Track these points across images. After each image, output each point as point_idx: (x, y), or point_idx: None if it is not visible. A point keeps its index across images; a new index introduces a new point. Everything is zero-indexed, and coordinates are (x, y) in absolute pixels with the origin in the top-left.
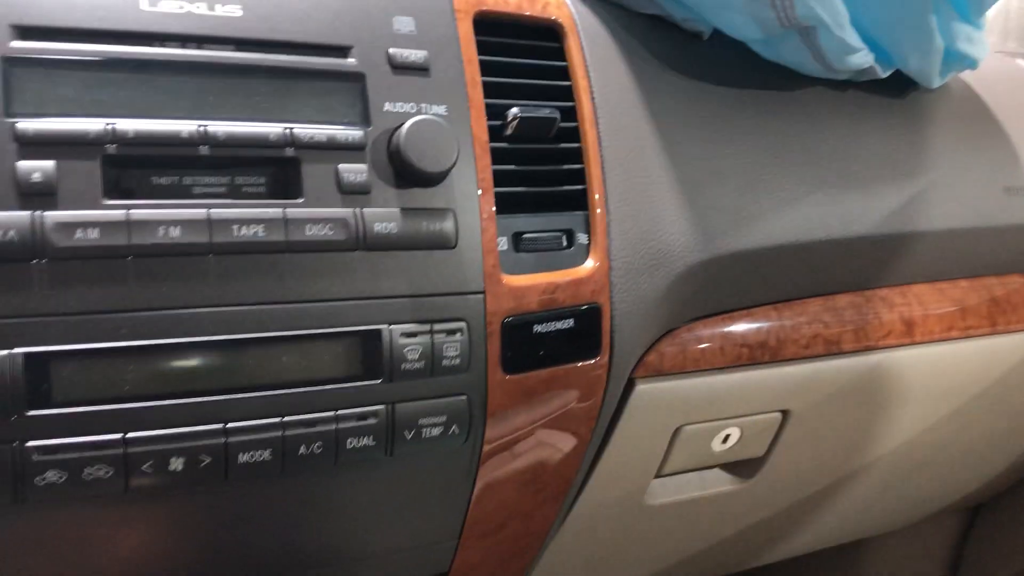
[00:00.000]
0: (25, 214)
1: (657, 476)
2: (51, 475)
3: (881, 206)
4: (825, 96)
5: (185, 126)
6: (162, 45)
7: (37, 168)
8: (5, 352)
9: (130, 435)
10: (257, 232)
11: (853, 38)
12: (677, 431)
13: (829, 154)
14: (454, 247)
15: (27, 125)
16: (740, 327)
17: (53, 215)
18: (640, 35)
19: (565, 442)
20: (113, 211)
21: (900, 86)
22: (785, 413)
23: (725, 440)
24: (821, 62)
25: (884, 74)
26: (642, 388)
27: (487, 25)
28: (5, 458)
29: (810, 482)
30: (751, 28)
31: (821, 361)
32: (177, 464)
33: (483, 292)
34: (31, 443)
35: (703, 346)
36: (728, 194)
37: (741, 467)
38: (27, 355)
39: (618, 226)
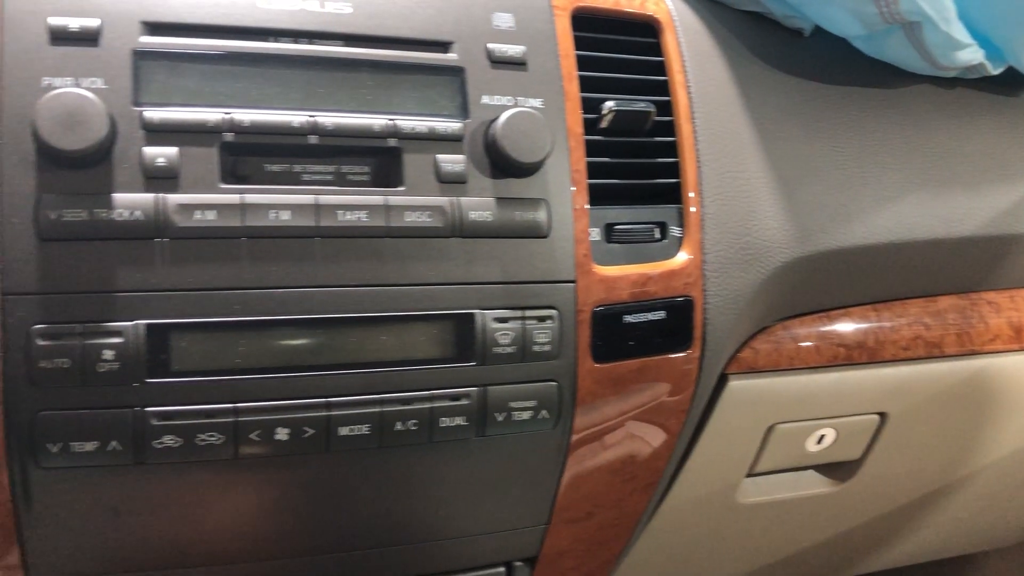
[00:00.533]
0: (149, 196)
1: (749, 474)
2: (168, 439)
3: (988, 207)
4: (929, 93)
5: (296, 117)
6: (276, 40)
7: (161, 154)
8: (130, 323)
9: (240, 405)
10: (360, 217)
11: (961, 33)
12: (770, 429)
13: (933, 153)
14: (547, 236)
15: (153, 114)
16: (837, 326)
17: (175, 197)
18: (738, 31)
19: (655, 434)
20: (229, 195)
21: (1010, 83)
22: (883, 415)
23: (820, 440)
24: (927, 59)
25: (995, 71)
26: (735, 384)
27: (584, 20)
28: (127, 422)
29: (908, 489)
30: (853, 24)
31: (921, 364)
32: (282, 434)
33: (574, 281)
34: (151, 408)
35: (799, 344)
36: (826, 191)
37: (836, 469)
38: (149, 326)
39: (712, 220)
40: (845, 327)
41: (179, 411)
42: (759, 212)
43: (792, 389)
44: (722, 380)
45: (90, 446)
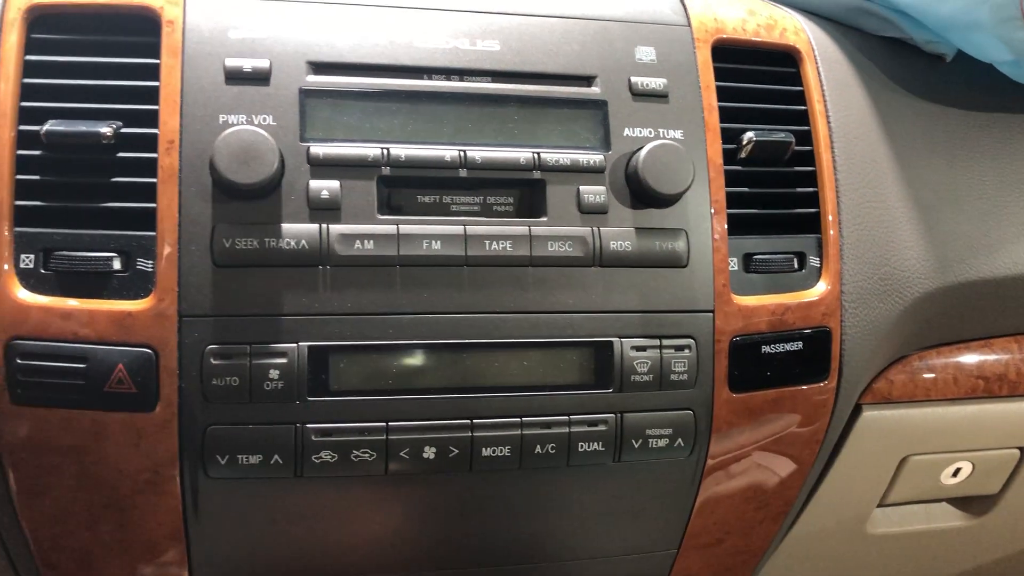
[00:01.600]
0: (314, 226)
1: (880, 505)
2: (325, 454)
3: None
4: None
5: (448, 151)
6: (430, 77)
7: (325, 187)
8: (293, 345)
9: (392, 423)
10: (505, 247)
11: None
12: (904, 461)
13: None
14: (685, 266)
15: (318, 149)
16: (976, 358)
17: (337, 228)
18: (879, 58)
19: (788, 463)
20: (386, 225)
21: None
22: None
23: (955, 473)
24: None
25: None
26: (869, 415)
27: (724, 52)
28: (289, 437)
29: None
30: (1000, 50)
31: None
32: (430, 453)
33: (713, 311)
34: (311, 425)
35: (935, 375)
36: (968, 220)
37: (972, 503)
38: (311, 348)
39: (851, 250)
40: (985, 359)
41: (336, 428)
42: (898, 242)
43: (927, 421)
44: (856, 410)
45: (254, 459)
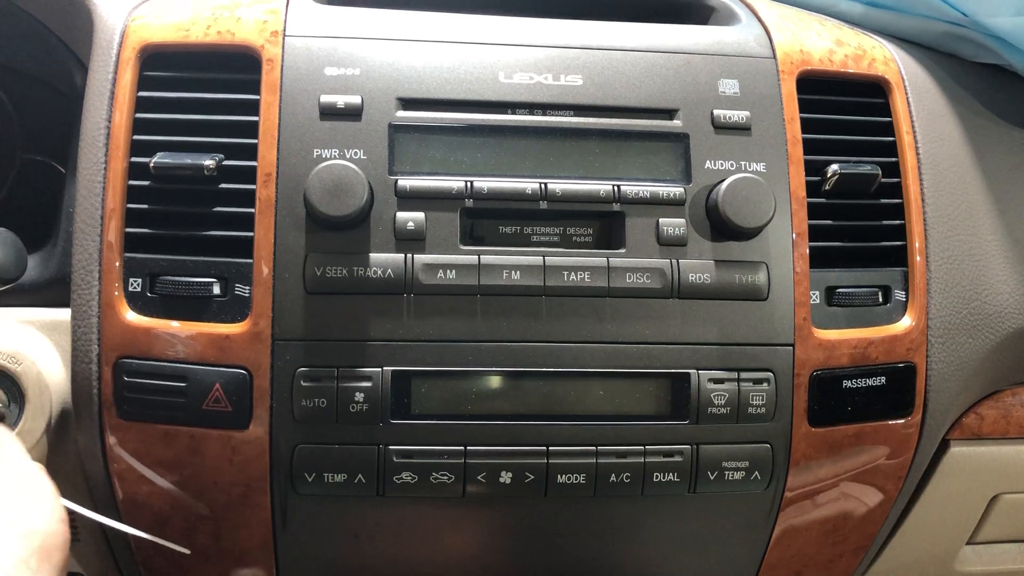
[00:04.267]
0: (400, 256)
1: (970, 543)
2: (406, 476)
3: None
4: None
5: (529, 184)
6: (513, 112)
7: (411, 218)
8: (378, 369)
9: (470, 448)
10: (584, 278)
11: None
12: (995, 499)
13: None
14: (766, 299)
15: (405, 182)
16: None
17: (421, 258)
18: (972, 86)
19: (870, 497)
20: (468, 256)
21: None
22: None
23: None
24: None
25: None
26: (957, 451)
27: (809, 83)
28: (372, 458)
29: None
30: None
31: None
32: (506, 478)
33: (792, 344)
34: (393, 447)
35: None
36: None
37: None
38: (394, 372)
39: (938, 284)
40: None
41: (417, 450)
42: (990, 276)
43: (1021, 458)
44: (943, 445)
45: (339, 477)
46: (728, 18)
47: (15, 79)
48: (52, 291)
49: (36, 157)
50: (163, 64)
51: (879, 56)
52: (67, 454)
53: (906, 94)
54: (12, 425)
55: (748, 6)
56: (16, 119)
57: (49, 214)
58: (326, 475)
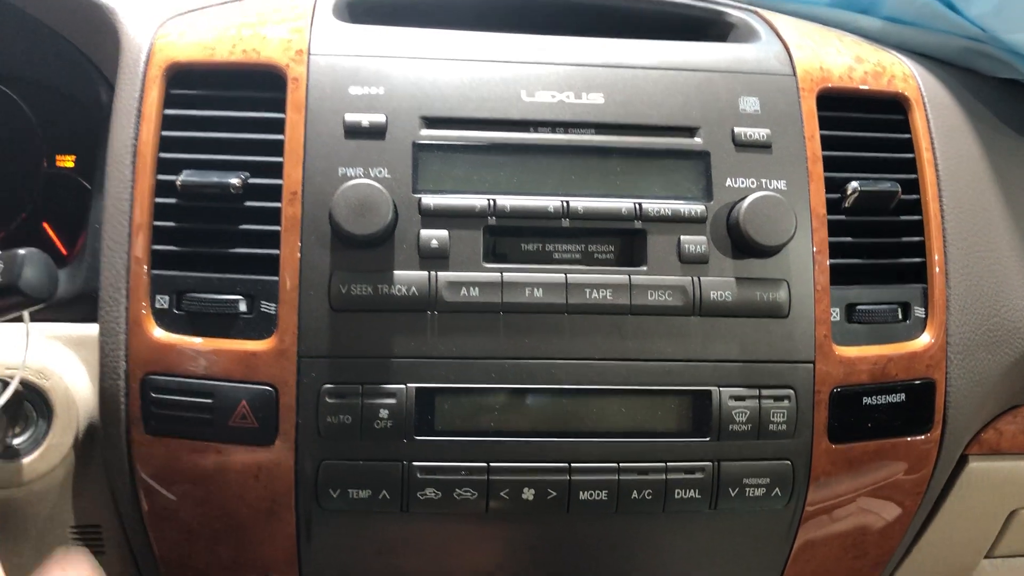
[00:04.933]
0: (423, 274)
1: (988, 556)
2: (430, 492)
3: None
4: None
5: (551, 202)
6: (536, 131)
7: (435, 236)
8: (402, 386)
9: (493, 464)
10: (606, 295)
11: None
12: (1013, 513)
13: None
14: (786, 316)
15: (429, 200)
16: None
17: (445, 275)
18: (992, 101)
19: (889, 512)
20: (491, 273)
21: None
22: None
23: None
24: None
25: None
26: (975, 466)
27: (829, 100)
28: (397, 474)
29: None
30: None
31: None
32: (529, 494)
33: (813, 362)
34: (417, 463)
35: None
36: None
37: None
38: (418, 389)
39: (958, 300)
40: None
41: (440, 467)
42: (1009, 292)
43: None
44: (962, 461)
45: (364, 493)
46: (748, 35)
47: (40, 93)
48: (78, 306)
49: (62, 171)
50: (189, 82)
51: (899, 73)
52: (93, 467)
53: (925, 111)
54: (40, 439)
55: (768, 23)
56: (40, 133)
57: (74, 229)
58: (351, 491)
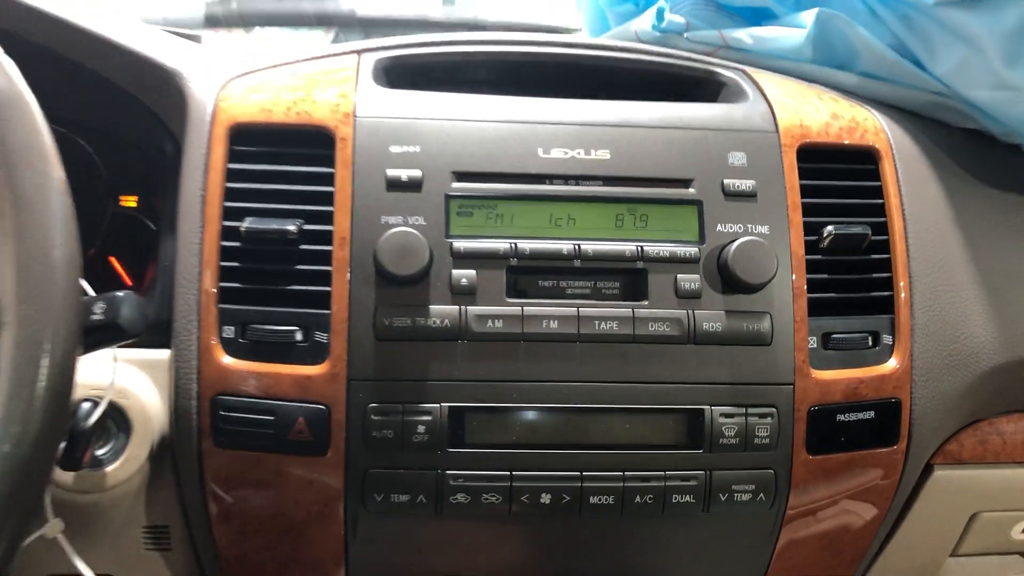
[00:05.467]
0: (455, 308)
1: (953, 555)
2: (461, 496)
3: None
4: None
5: (565, 245)
6: (551, 183)
7: (464, 275)
8: (436, 405)
9: (515, 473)
10: (612, 326)
11: None
12: (974, 516)
13: None
14: (769, 344)
15: (459, 244)
16: None
17: (473, 309)
18: (955, 150)
19: (862, 515)
20: (512, 307)
21: None
22: None
23: None
24: None
25: None
26: (939, 474)
27: (808, 153)
28: (432, 481)
29: None
30: None
31: None
32: (546, 499)
33: (793, 384)
34: (449, 472)
35: (1004, 439)
36: None
37: None
38: (450, 408)
39: (922, 329)
40: None
41: (470, 475)
42: (968, 321)
43: (997, 481)
44: (927, 470)
45: (404, 498)
46: (737, 94)
47: (106, 141)
48: (149, 334)
49: (126, 211)
50: (249, 139)
51: (871, 127)
52: (164, 475)
53: (894, 161)
54: (120, 450)
55: (755, 83)
56: (107, 177)
57: (136, 262)
58: (392, 496)
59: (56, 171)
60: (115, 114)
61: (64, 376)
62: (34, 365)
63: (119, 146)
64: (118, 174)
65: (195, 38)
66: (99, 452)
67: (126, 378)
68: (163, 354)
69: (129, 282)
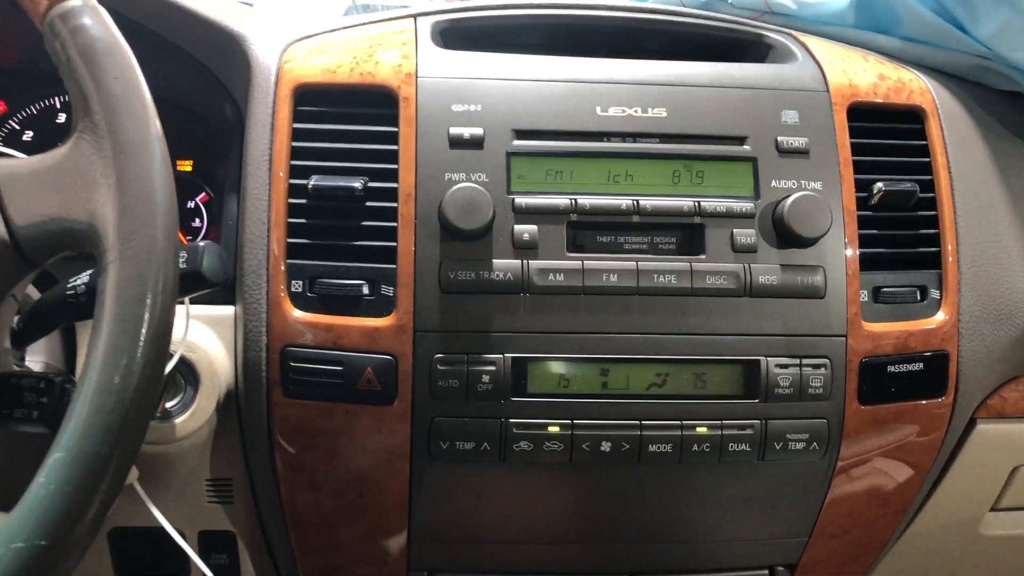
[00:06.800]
0: (517, 262)
1: (994, 509)
2: (523, 444)
3: None
4: None
5: (623, 200)
6: (609, 140)
7: (526, 230)
8: (500, 355)
9: (576, 421)
10: (671, 280)
11: None
12: (1016, 470)
13: None
14: (823, 297)
15: (521, 200)
16: None
17: (535, 263)
18: (998, 111)
19: (908, 467)
20: (573, 262)
21: None
22: None
23: None
24: None
25: None
26: (982, 428)
27: (857, 112)
28: (496, 429)
29: None
30: None
31: None
32: (606, 447)
33: (845, 336)
34: (512, 420)
35: None
36: None
37: None
38: (514, 359)
39: (968, 283)
40: None
41: (532, 423)
42: (1013, 276)
43: None
44: (971, 423)
45: (469, 445)
46: (785, 56)
47: (165, 107)
48: (214, 291)
49: (182, 175)
50: (313, 99)
51: (916, 88)
52: (227, 429)
53: (940, 121)
54: (189, 403)
55: (803, 44)
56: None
57: (191, 223)
58: (458, 443)
59: (155, 119)
60: (172, 79)
61: (166, 316)
62: (140, 303)
63: (174, 112)
64: (172, 139)
65: (247, 2)
66: (168, 404)
67: (193, 333)
68: (226, 310)
69: (185, 242)
